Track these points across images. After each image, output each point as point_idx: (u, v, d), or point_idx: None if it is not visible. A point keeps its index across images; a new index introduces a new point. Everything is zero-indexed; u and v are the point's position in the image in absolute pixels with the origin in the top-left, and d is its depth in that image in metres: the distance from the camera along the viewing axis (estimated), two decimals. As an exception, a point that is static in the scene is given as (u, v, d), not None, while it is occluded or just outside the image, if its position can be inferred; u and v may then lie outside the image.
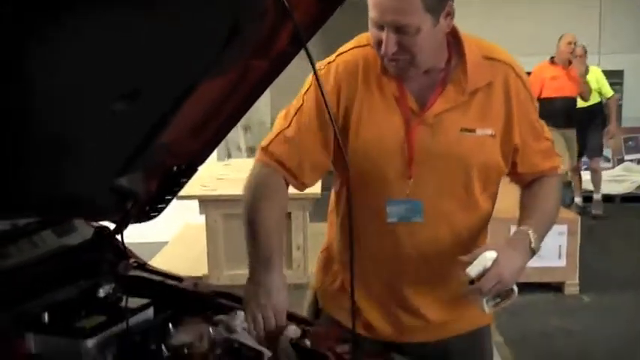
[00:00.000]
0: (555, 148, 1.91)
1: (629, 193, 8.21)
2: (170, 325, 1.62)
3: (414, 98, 1.73)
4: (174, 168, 1.81)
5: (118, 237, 1.83)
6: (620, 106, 8.51)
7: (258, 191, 1.77)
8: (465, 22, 1.81)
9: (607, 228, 6.56)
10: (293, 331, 1.61)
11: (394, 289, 1.82)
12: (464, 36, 1.75)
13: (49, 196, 1.57)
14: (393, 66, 1.67)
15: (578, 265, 5.19)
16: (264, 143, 1.81)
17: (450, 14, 1.65)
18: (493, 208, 1.85)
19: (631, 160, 8.85)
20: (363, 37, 1.78)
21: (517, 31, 8.30)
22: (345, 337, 1.61)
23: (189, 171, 1.84)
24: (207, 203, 2.90)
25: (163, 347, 1.53)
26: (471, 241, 1.81)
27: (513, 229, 1.80)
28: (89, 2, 1.09)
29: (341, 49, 1.82)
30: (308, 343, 1.59)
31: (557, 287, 5.20)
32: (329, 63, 1.79)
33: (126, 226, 1.88)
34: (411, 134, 1.71)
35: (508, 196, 1.91)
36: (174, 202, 2.08)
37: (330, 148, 1.76)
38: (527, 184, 1.87)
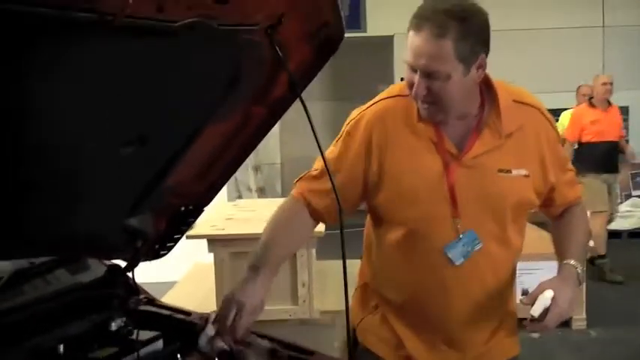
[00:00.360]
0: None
1: (636, 228, 8.23)
2: (179, 355, 1.71)
3: (452, 143, 1.81)
4: (182, 208, 1.91)
5: (130, 274, 1.94)
6: (626, 142, 8.58)
7: (279, 214, 1.92)
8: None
9: (613, 264, 6.57)
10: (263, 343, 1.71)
11: (439, 324, 1.90)
12: (496, 83, 1.85)
13: (62, 235, 1.68)
14: (425, 109, 1.76)
15: (585, 300, 5.22)
16: (297, 179, 1.96)
17: (482, 66, 1.74)
18: (522, 242, 1.95)
19: (638, 196, 8.88)
20: (394, 88, 1.89)
21: (518, 67, 8.43)
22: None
23: (197, 211, 1.95)
24: (215, 242, 3.00)
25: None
26: (509, 275, 1.93)
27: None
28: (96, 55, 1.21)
29: (373, 100, 1.91)
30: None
31: (564, 323, 5.20)
32: (361, 112, 1.90)
33: (136, 264, 1.98)
34: (451, 175, 1.79)
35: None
36: (185, 242, 2.18)
37: (361, 193, 1.88)
38: (558, 215, 2.00)
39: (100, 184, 1.60)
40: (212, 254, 3.04)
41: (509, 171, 1.82)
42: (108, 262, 2.03)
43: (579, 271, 1.82)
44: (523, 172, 1.83)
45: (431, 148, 1.81)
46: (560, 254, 1.91)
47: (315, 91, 9.08)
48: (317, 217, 1.92)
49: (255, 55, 1.50)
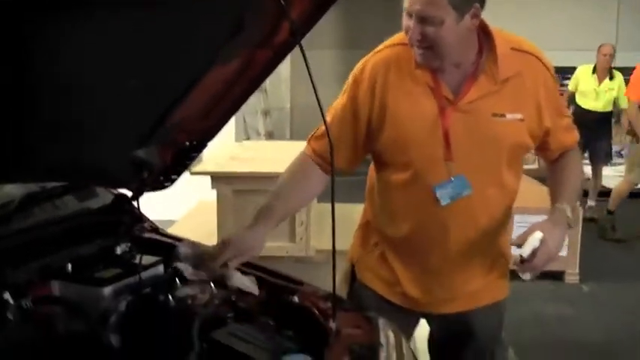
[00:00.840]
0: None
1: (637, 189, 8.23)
2: (177, 280, 1.84)
3: (448, 88, 1.89)
4: (187, 143, 2.02)
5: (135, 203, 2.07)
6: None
7: (290, 169, 2.05)
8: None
9: (621, 223, 6.60)
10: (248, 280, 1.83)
11: (433, 261, 2.01)
12: (494, 31, 1.91)
13: (72, 164, 1.79)
14: (420, 54, 1.83)
15: (578, 256, 5.33)
16: (309, 136, 2.08)
17: (477, 16, 1.81)
18: (518, 185, 2.04)
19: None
20: (396, 37, 1.96)
21: (533, 28, 8.40)
22: (328, 296, 1.82)
23: (200, 146, 2.05)
24: (218, 179, 3.10)
25: (170, 298, 1.74)
26: (504, 217, 2.03)
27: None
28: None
29: (376, 49, 2.00)
30: (296, 299, 1.80)
31: (557, 276, 5.31)
32: (366, 59, 1.98)
33: (142, 194, 2.11)
34: (446, 119, 1.88)
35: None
36: (189, 180, 2.28)
37: (362, 142, 1.99)
38: (554, 159, 2.09)
39: (109, 117, 1.70)
40: (215, 191, 3.16)
41: (503, 115, 1.89)
42: (115, 191, 2.15)
43: (569, 214, 1.91)
44: (518, 116, 1.91)
45: (428, 93, 1.90)
46: (553, 198, 2.00)
47: (325, 39, 9.07)
48: (325, 165, 2.02)
49: (257, 4, 1.58)
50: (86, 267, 1.78)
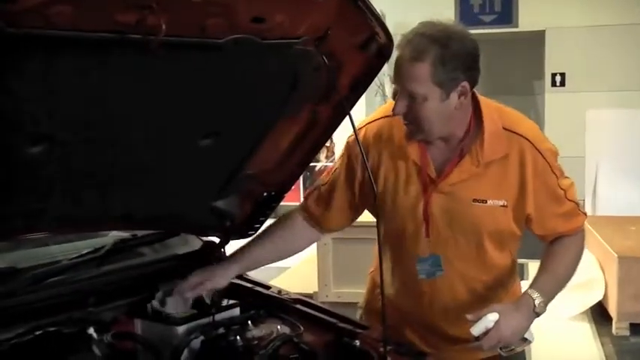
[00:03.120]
0: None
1: None
2: (249, 322, 1.97)
3: (433, 166, 1.90)
4: (265, 194, 2.17)
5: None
6: None
7: (278, 221, 2.13)
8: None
9: None
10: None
11: (427, 323, 2.06)
12: (486, 106, 1.89)
13: (157, 213, 1.99)
14: (406, 127, 1.85)
15: None
16: (304, 194, 2.14)
17: (464, 94, 1.79)
18: (514, 261, 2.04)
19: None
20: (389, 107, 1.93)
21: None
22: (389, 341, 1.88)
23: (278, 197, 2.19)
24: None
25: (238, 338, 1.87)
26: (487, 291, 2.01)
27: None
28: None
29: (368, 119, 2.05)
30: (357, 342, 1.89)
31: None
32: (361, 127, 2.00)
33: (227, 241, 2.28)
34: (428, 199, 1.90)
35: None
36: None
37: (354, 205, 2.05)
38: (548, 242, 2.01)
39: (187, 171, 1.89)
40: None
41: (484, 201, 1.87)
42: (205, 239, 2.33)
43: (537, 303, 1.82)
44: (500, 202, 1.87)
45: (414, 171, 1.92)
46: (532, 282, 1.92)
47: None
48: (313, 223, 2.09)
49: (310, 62, 1.72)
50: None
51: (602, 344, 4.70)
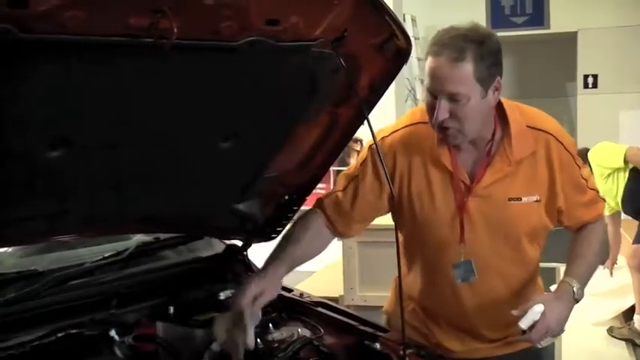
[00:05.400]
0: None
1: None
2: (270, 325, 1.98)
3: (465, 171, 1.90)
4: (286, 197, 2.17)
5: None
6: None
7: (296, 223, 2.03)
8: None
9: None
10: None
11: (460, 323, 2.05)
12: (508, 106, 1.91)
13: (179, 216, 2.00)
14: (445, 135, 1.82)
15: None
16: (321, 199, 2.05)
17: (498, 89, 1.81)
18: (540, 252, 2.04)
19: None
20: (415, 115, 1.98)
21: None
22: (409, 344, 1.87)
23: (300, 200, 2.19)
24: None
25: (259, 341, 1.88)
26: (523, 287, 2.03)
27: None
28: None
29: (394, 127, 2.00)
30: (377, 345, 1.88)
31: None
32: (383, 138, 1.97)
33: (250, 245, 2.29)
34: (463, 206, 1.90)
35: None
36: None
37: (375, 215, 2.04)
38: (575, 230, 2.05)
39: (208, 173, 1.90)
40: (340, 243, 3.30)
41: (519, 199, 1.89)
42: (227, 242, 2.34)
43: (575, 289, 1.87)
44: (534, 197, 1.90)
45: (446, 178, 1.91)
46: (566, 270, 1.96)
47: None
48: (332, 228, 2.04)
49: (328, 64, 1.72)
50: (187, 310, 1.96)
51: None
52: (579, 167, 1.97)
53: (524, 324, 1.78)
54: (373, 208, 2.02)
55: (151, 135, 1.64)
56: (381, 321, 2.19)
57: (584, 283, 1.92)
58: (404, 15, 7.87)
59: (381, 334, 1.94)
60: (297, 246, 1.94)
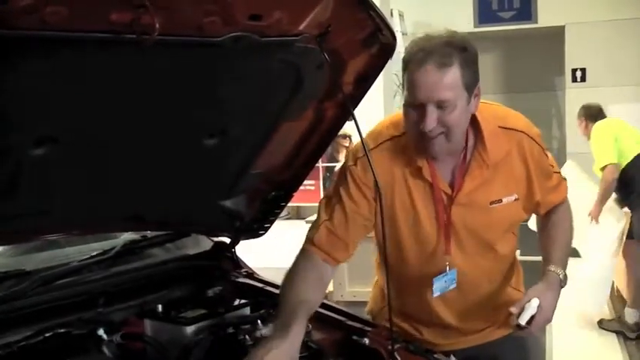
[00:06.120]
0: None
1: None
2: (259, 321, 1.97)
3: (445, 181, 1.89)
4: (273, 193, 2.17)
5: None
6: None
7: (295, 270, 1.88)
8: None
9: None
10: None
11: (446, 324, 2.07)
12: (479, 111, 1.86)
13: (165, 214, 2.00)
14: (431, 144, 1.77)
15: None
16: (309, 235, 1.92)
17: (478, 96, 1.80)
18: (514, 246, 2.08)
19: None
20: (390, 129, 1.91)
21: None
22: (397, 339, 1.87)
23: (286, 197, 2.20)
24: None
25: (247, 337, 1.87)
26: (505, 277, 2.08)
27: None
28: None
29: (374, 141, 1.90)
30: (366, 341, 1.88)
31: None
32: (363, 155, 1.84)
33: (238, 242, 2.29)
34: (446, 217, 1.89)
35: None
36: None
37: (365, 233, 1.96)
38: (544, 214, 2.07)
39: (194, 170, 1.90)
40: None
41: (499, 201, 1.90)
42: (216, 239, 2.34)
43: (562, 277, 1.92)
44: (513, 197, 1.91)
45: (427, 190, 1.89)
46: (545, 259, 1.97)
47: (488, 85, 9.04)
48: (333, 262, 1.93)
49: (312, 60, 1.71)
50: (177, 307, 1.95)
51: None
52: (547, 156, 1.99)
53: (523, 320, 1.81)
54: (365, 226, 1.94)
55: (136, 132, 1.64)
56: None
57: (565, 267, 1.96)
58: (391, 10, 7.87)
59: (369, 329, 1.94)
60: (305, 304, 1.77)
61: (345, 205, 1.90)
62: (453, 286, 1.96)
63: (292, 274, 1.87)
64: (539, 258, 2.02)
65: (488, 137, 1.86)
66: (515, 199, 1.92)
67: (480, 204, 1.90)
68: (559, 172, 2.07)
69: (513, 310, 1.82)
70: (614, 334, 4.95)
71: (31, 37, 1.20)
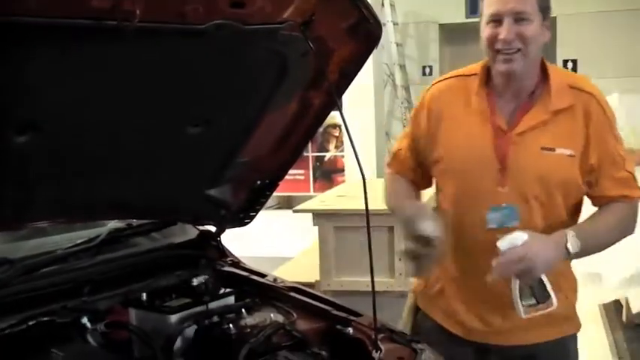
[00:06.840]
0: None
1: None
2: (243, 310, 1.97)
3: (503, 117, 1.94)
4: (259, 182, 2.16)
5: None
6: None
7: (389, 183, 2.22)
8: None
9: None
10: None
11: (489, 291, 1.95)
12: (550, 66, 1.97)
13: (150, 202, 1.99)
14: (505, 59, 1.87)
15: None
16: (387, 160, 2.28)
17: (549, 28, 1.91)
18: (577, 219, 2.00)
19: None
20: (467, 70, 2.06)
21: None
22: (382, 329, 1.87)
23: (272, 185, 2.19)
24: (319, 216, 3.26)
25: (231, 326, 1.87)
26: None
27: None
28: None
29: (436, 79, 2.16)
30: (350, 330, 1.88)
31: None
32: (425, 90, 2.13)
33: (224, 230, 2.28)
34: (502, 146, 1.92)
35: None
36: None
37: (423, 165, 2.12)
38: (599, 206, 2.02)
39: (179, 159, 1.89)
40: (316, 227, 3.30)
41: (552, 149, 1.89)
42: (202, 228, 2.33)
43: (569, 238, 1.83)
44: (568, 152, 1.89)
45: (483, 121, 1.95)
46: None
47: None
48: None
49: (297, 48, 1.71)
50: (162, 296, 1.95)
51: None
52: (616, 139, 1.96)
53: (502, 245, 1.77)
54: (418, 159, 2.13)
55: (119, 120, 1.63)
56: (357, 305, 2.19)
57: (582, 240, 1.85)
58: (382, 0, 7.86)
59: (353, 318, 1.94)
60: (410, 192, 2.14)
61: (409, 132, 2.16)
62: (515, 223, 1.90)
63: (388, 189, 2.20)
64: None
65: (555, 88, 1.92)
66: (570, 155, 1.90)
67: (531, 146, 1.91)
68: (633, 176, 1.98)
69: (499, 237, 1.80)
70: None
71: (11, 23, 1.18)
